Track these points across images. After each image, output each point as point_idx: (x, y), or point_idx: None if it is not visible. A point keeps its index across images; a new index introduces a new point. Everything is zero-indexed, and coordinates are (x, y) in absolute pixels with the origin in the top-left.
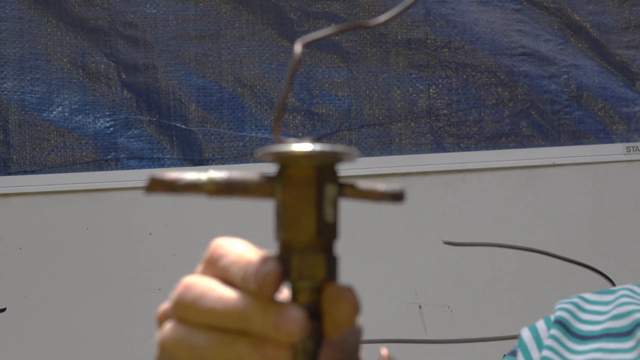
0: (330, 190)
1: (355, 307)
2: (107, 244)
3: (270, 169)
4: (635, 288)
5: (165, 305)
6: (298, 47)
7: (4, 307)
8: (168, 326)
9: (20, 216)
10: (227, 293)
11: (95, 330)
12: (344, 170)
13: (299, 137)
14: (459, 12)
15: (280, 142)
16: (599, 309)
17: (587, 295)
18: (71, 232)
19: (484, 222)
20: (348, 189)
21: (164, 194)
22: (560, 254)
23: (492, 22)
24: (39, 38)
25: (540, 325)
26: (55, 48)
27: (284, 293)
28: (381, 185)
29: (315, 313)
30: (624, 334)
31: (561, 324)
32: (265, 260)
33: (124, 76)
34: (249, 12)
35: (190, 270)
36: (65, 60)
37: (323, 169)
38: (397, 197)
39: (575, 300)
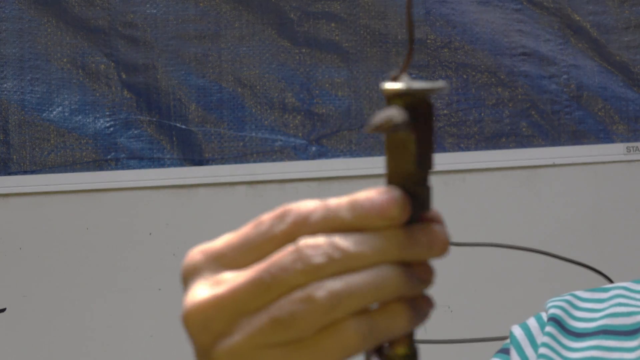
0: None
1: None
2: (107, 244)
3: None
4: (632, 285)
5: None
6: None
7: (3, 307)
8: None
9: (20, 216)
10: (360, 237)
11: (95, 330)
12: (341, 170)
13: (293, 135)
14: (459, 12)
15: (401, 80)
16: (593, 307)
17: (580, 293)
18: (71, 232)
19: (484, 222)
20: None
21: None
22: (560, 254)
23: (492, 22)
24: (39, 38)
25: (532, 322)
26: (55, 48)
27: None
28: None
29: None
30: (625, 332)
31: (556, 321)
32: (388, 191)
33: (124, 76)
34: (249, 12)
35: None
36: (65, 60)
37: None
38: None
39: (568, 297)
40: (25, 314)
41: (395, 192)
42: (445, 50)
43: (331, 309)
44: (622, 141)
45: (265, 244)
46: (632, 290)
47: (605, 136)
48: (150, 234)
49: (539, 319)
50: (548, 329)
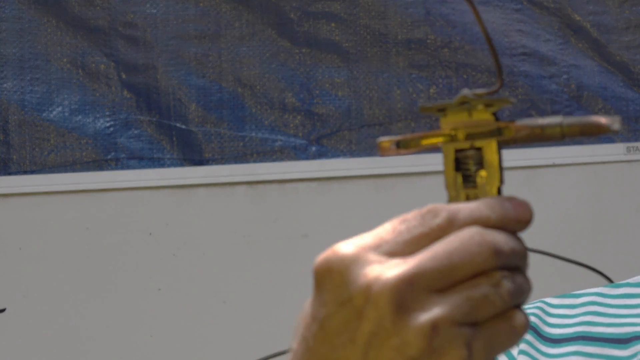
0: None
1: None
2: (107, 244)
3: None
4: (606, 290)
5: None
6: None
7: (3, 307)
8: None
9: (20, 216)
10: (504, 236)
11: (95, 330)
12: (341, 170)
13: (295, 135)
14: (459, 12)
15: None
16: (564, 312)
17: (549, 300)
18: (71, 232)
19: None
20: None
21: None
22: (561, 254)
23: (492, 22)
24: (39, 38)
25: None
26: (55, 48)
27: None
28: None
29: None
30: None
31: (532, 328)
32: (516, 199)
33: (124, 76)
34: (249, 12)
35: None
36: (65, 60)
37: None
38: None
39: (539, 304)
40: (25, 314)
41: (525, 201)
42: (445, 50)
43: (514, 296)
44: (622, 141)
45: (422, 237)
46: (607, 296)
47: (605, 136)
48: (150, 234)
49: None
50: (525, 336)
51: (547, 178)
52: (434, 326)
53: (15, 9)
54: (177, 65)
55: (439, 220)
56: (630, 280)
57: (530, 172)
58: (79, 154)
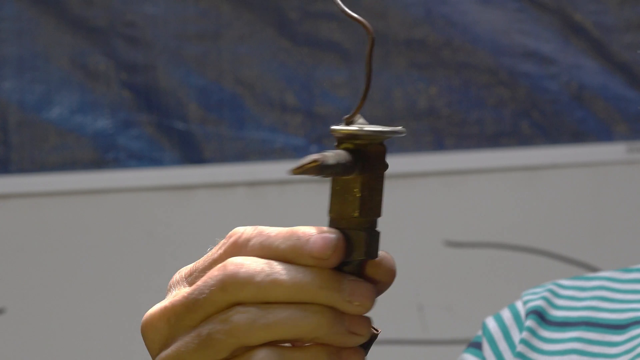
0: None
1: (393, 270)
2: (106, 244)
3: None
4: (617, 274)
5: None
6: (368, 25)
7: (3, 307)
8: (229, 314)
9: (20, 216)
10: (286, 267)
11: (94, 331)
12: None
13: (294, 135)
14: (459, 12)
15: (351, 122)
16: (574, 294)
17: (562, 281)
18: (70, 232)
19: (484, 222)
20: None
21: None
22: (561, 254)
23: (493, 22)
24: (39, 38)
25: (506, 314)
26: (55, 48)
27: None
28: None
29: None
30: (609, 326)
31: (537, 313)
32: (326, 232)
33: (123, 76)
34: (249, 12)
35: None
36: (64, 60)
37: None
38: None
39: (551, 287)
40: (24, 315)
41: (333, 236)
42: (446, 50)
43: (246, 334)
44: (623, 141)
45: (212, 265)
46: (616, 281)
47: (606, 136)
48: (149, 234)
49: (512, 309)
50: (528, 323)
51: (548, 178)
52: None
53: (14, 9)
54: (177, 65)
55: (226, 246)
56: None
57: (530, 172)
58: (79, 154)
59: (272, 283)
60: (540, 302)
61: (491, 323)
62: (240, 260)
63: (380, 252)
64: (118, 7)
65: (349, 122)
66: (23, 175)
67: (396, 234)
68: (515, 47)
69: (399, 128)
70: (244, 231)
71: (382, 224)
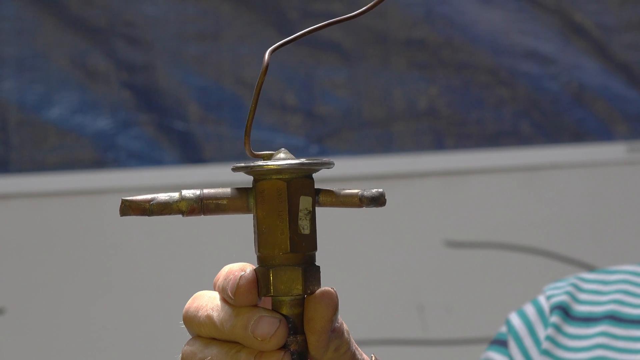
0: (304, 202)
1: (332, 307)
2: (106, 244)
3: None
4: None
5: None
6: (267, 55)
7: (3, 307)
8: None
9: (20, 216)
10: (218, 305)
11: (94, 331)
12: (341, 170)
13: (295, 135)
14: (459, 12)
15: (253, 155)
16: (597, 288)
17: (584, 275)
18: (70, 232)
19: (484, 222)
20: (326, 198)
21: (138, 215)
22: (561, 254)
23: (493, 22)
24: (38, 38)
25: (530, 310)
26: (55, 48)
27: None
28: (360, 191)
29: (299, 326)
30: (632, 321)
31: (562, 308)
32: (241, 271)
33: (124, 76)
34: (249, 12)
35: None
36: (64, 60)
37: (295, 182)
38: (376, 200)
39: (573, 281)
40: (24, 315)
41: (248, 275)
42: (446, 50)
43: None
44: (623, 141)
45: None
46: (638, 274)
47: (606, 136)
48: (150, 234)
49: (536, 305)
50: (553, 319)
51: (548, 178)
52: None
53: (14, 9)
54: (177, 65)
55: (190, 301)
56: None
57: (531, 172)
58: (79, 154)
59: (202, 323)
60: (564, 297)
61: (515, 319)
62: (197, 294)
63: (324, 289)
64: (118, 7)
65: (268, 158)
66: (23, 175)
67: (396, 233)
68: (515, 47)
69: (289, 164)
70: (222, 270)
71: (382, 224)
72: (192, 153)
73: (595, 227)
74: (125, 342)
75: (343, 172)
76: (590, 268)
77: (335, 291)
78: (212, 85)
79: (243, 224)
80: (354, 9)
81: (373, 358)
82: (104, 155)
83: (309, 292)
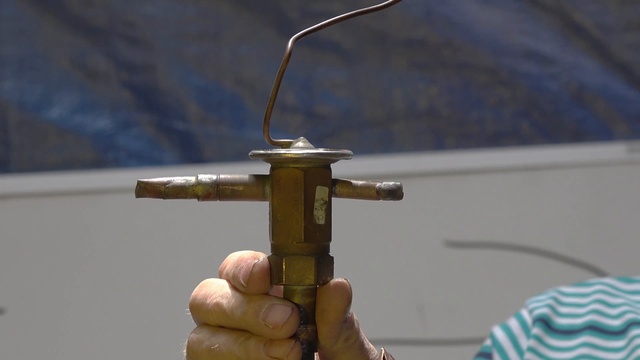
0: (320, 192)
1: (346, 298)
2: (106, 244)
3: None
4: (618, 284)
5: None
6: (290, 44)
7: (3, 307)
8: (195, 328)
9: (19, 217)
10: (228, 292)
11: (94, 331)
12: (341, 170)
13: (294, 136)
14: (460, 12)
15: (272, 142)
16: (577, 301)
17: (563, 288)
18: (70, 233)
19: (484, 222)
20: (342, 189)
21: (153, 198)
22: (561, 255)
23: (493, 22)
24: (38, 38)
25: (513, 323)
26: (55, 48)
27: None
28: (377, 183)
29: (310, 316)
30: (614, 332)
31: (543, 321)
32: (254, 259)
33: (123, 76)
34: (249, 12)
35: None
36: (64, 60)
37: (312, 171)
38: (393, 193)
39: (554, 294)
40: (24, 315)
41: (262, 263)
42: (446, 50)
43: (197, 353)
44: (623, 141)
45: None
46: (618, 289)
47: (606, 136)
48: (150, 234)
49: (519, 318)
50: (535, 331)
51: (548, 178)
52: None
53: (14, 9)
54: (177, 65)
55: (197, 289)
56: None
57: (531, 172)
58: (79, 154)
59: (211, 310)
60: (545, 310)
61: (499, 333)
62: (205, 282)
63: (337, 280)
64: (118, 7)
65: (286, 146)
66: (23, 175)
67: (396, 233)
68: (515, 47)
69: (307, 153)
70: (228, 257)
71: (382, 224)
72: (192, 153)
73: (596, 227)
74: (125, 342)
75: (343, 172)
76: (591, 268)
77: (349, 282)
78: (212, 85)
79: (243, 224)
80: (354, 8)
81: (383, 352)
82: (104, 155)
83: (321, 282)
